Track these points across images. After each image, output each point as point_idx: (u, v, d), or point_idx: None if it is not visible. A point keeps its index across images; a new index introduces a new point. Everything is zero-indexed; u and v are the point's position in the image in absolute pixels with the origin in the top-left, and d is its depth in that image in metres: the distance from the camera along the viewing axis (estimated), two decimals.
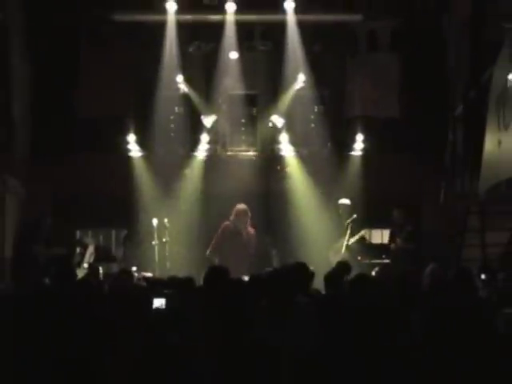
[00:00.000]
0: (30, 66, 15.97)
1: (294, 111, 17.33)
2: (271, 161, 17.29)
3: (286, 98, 17.15)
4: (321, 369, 4.97)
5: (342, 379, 4.88)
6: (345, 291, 7.52)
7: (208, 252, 14.62)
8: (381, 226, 16.75)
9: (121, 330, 5.84)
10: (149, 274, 13.64)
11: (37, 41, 15.99)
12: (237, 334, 5.29)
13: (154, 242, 15.99)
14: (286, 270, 7.77)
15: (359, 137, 16.93)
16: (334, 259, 15.33)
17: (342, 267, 9.19)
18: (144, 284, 11.13)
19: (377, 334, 5.35)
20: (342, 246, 15.73)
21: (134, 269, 13.37)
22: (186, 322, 5.62)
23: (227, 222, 14.84)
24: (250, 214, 14.88)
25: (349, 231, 15.63)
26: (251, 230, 14.89)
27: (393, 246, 15.13)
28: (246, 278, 12.56)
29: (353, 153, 16.88)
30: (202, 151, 17.14)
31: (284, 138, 17.06)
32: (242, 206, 14.96)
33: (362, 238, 15.83)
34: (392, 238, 15.19)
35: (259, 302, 6.41)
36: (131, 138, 16.80)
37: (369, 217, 16.12)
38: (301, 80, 17.05)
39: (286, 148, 17.14)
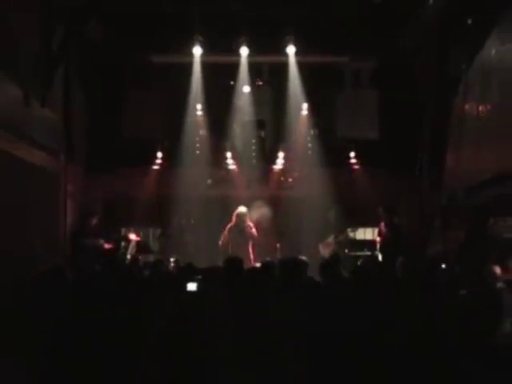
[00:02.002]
0: (86, 96, 16.11)
1: (295, 133, 17.46)
2: (276, 173, 17.38)
3: (289, 123, 17.29)
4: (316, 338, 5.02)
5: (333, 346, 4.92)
6: (339, 279, 7.58)
7: (220, 247, 14.69)
8: (363, 225, 16.79)
9: (157, 307, 5.90)
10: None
11: (91, 77, 16.13)
12: (254, 310, 5.35)
13: (184, 238, 16.13)
14: (288, 261, 7.80)
15: (346, 154, 17.05)
16: (324, 252, 15.45)
17: (334, 259, 9.25)
18: (175, 271, 11.20)
19: (362, 314, 5.40)
20: (331, 240, 15.84)
21: (172, 259, 13.34)
22: (212, 301, 5.69)
23: (230, 224, 14.86)
24: (248, 214, 14.91)
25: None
26: (251, 226, 14.88)
27: (379, 239, 15.13)
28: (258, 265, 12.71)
29: (341, 167, 16.91)
30: (222, 166, 17.28)
31: (281, 155, 17.21)
32: (241, 209, 14.99)
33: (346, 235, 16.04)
34: (380, 231, 15.17)
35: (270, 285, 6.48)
36: (165, 154, 16.93)
37: (354, 218, 16.25)
38: (304, 108, 17.22)
39: (284, 163, 17.32)
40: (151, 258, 14.84)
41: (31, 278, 6.32)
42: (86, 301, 5.86)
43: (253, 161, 17.45)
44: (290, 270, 6.95)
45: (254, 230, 14.75)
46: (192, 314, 5.38)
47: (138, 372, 4.77)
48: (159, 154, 16.94)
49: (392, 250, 13.86)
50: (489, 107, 10.06)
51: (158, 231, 16.96)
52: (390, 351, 4.57)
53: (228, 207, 15.80)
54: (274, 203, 16.75)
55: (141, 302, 5.96)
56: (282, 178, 17.46)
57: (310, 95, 17.22)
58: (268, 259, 10.27)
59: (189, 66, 16.81)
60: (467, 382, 4.21)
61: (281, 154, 17.29)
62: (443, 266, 9.86)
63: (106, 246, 14.27)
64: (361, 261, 10.57)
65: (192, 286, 6.66)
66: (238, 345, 4.80)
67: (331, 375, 4.60)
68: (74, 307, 5.63)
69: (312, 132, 17.46)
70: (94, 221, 14.63)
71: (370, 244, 15.72)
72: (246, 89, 17.31)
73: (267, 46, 16.46)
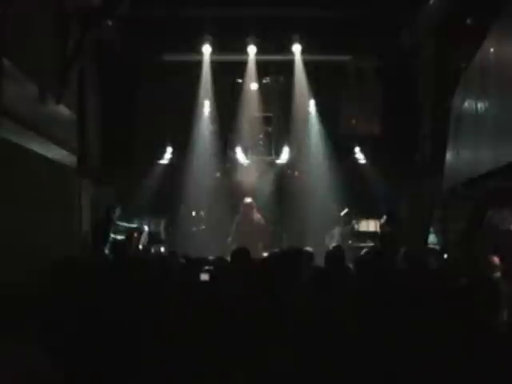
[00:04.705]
0: (100, 96, 16.12)
1: (301, 129, 17.49)
2: (283, 167, 17.44)
3: (295, 119, 17.32)
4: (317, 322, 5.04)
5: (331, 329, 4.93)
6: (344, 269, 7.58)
7: (228, 240, 14.72)
8: (366, 217, 16.76)
9: (171, 298, 5.88)
10: None
11: (105, 75, 16.14)
12: (266, 296, 5.38)
13: (193, 229, 16.17)
14: (293, 251, 7.84)
15: (350, 149, 17.09)
16: (330, 242, 15.45)
17: (339, 249, 9.22)
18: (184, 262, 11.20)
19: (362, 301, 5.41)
20: (336, 232, 15.86)
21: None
22: (224, 290, 5.72)
23: (238, 216, 14.97)
24: (254, 205, 15.04)
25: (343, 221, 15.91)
26: (258, 216, 14.98)
27: (380, 230, 15.10)
28: (265, 254, 12.75)
29: (345, 162, 16.92)
30: (230, 160, 17.37)
31: (286, 150, 17.27)
32: (247, 200, 15.13)
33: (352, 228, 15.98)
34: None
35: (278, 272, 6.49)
36: (175, 148, 16.99)
37: (357, 210, 16.26)
38: (310, 105, 17.25)
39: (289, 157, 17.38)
40: (162, 248, 14.90)
41: (50, 265, 6.33)
42: (102, 289, 5.87)
43: (260, 155, 17.50)
44: (292, 260, 6.98)
45: (262, 219, 14.83)
46: (204, 303, 5.39)
47: (149, 361, 4.76)
48: (170, 149, 17.00)
49: (392, 241, 13.88)
50: (487, 104, 10.04)
51: (167, 222, 16.95)
52: (394, 340, 4.59)
53: (236, 200, 15.86)
54: (280, 195, 16.85)
55: (154, 292, 5.96)
56: (288, 172, 17.53)
57: (315, 92, 17.27)
58: (275, 250, 10.29)
59: (199, 64, 16.83)
60: (467, 368, 4.22)
61: (287, 149, 17.33)
62: (445, 255, 9.89)
63: (119, 236, 14.31)
64: (363, 251, 10.58)
65: (205, 277, 6.70)
66: (247, 333, 4.82)
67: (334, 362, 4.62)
68: (89, 295, 5.63)
69: (317, 127, 17.46)
70: (116, 213, 14.71)
71: (373, 235, 15.73)
72: (254, 86, 17.34)
73: (274, 44, 16.50)
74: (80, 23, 12.28)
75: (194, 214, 16.71)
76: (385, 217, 14.84)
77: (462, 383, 4.26)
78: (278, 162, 17.42)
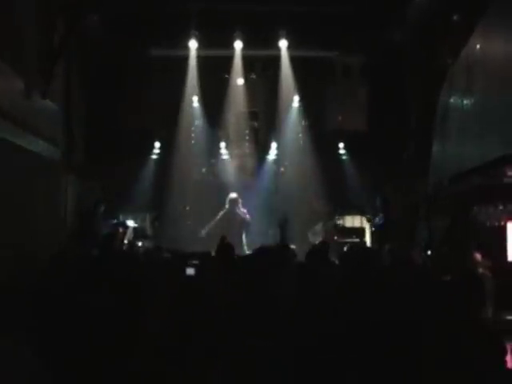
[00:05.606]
0: (86, 92, 16.04)
1: (286, 124, 17.51)
2: (269, 163, 17.47)
3: (280, 114, 17.34)
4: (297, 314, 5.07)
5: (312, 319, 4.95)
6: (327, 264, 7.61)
7: (202, 232, 14.84)
8: (351, 213, 16.79)
9: (156, 292, 5.87)
10: None
11: (91, 70, 16.06)
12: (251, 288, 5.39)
13: (179, 224, 16.19)
14: (279, 246, 7.88)
15: (336, 145, 17.14)
16: (313, 238, 15.51)
17: (324, 245, 9.25)
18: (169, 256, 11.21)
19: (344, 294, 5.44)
20: (319, 228, 15.93)
21: None
22: (209, 284, 5.72)
23: (223, 211, 15.08)
24: (240, 200, 15.16)
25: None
26: (243, 211, 15.07)
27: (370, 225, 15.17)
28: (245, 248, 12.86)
29: (330, 157, 16.96)
30: (216, 155, 17.40)
31: (273, 145, 17.32)
32: (232, 195, 15.23)
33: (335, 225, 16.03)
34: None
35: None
36: (162, 143, 16.99)
37: (343, 207, 16.30)
38: (296, 100, 17.26)
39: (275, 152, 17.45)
40: (147, 243, 14.92)
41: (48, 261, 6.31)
42: (86, 285, 5.85)
43: (246, 150, 17.54)
44: (277, 255, 7.01)
45: (247, 215, 14.87)
46: (190, 298, 5.40)
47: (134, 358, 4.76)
48: (156, 144, 16.99)
49: (381, 237, 13.96)
50: (472, 100, 10.11)
51: (152, 217, 16.93)
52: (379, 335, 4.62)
53: (222, 195, 15.89)
54: (266, 191, 16.89)
55: (139, 286, 5.94)
56: (274, 167, 17.56)
57: (302, 88, 17.26)
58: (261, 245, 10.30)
59: (185, 60, 16.80)
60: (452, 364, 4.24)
61: (273, 144, 17.37)
62: (429, 252, 9.94)
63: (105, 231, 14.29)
64: (347, 246, 10.61)
65: (190, 271, 6.72)
66: (233, 328, 4.84)
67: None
68: (74, 290, 5.62)
69: (303, 123, 17.50)
70: (102, 208, 14.68)
71: (358, 231, 15.77)
72: (240, 81, 17.33)
73: (260, 40, 16.47)
74: (65, 17, 12.25)
75: (179, 208, 16.70)
76: (381, 215, 14.89)
77: (447, 379, 4.29)
78: (264, 157, 17.45)
